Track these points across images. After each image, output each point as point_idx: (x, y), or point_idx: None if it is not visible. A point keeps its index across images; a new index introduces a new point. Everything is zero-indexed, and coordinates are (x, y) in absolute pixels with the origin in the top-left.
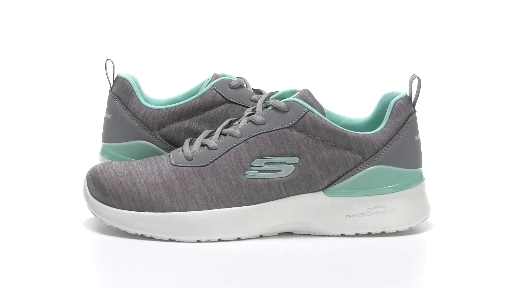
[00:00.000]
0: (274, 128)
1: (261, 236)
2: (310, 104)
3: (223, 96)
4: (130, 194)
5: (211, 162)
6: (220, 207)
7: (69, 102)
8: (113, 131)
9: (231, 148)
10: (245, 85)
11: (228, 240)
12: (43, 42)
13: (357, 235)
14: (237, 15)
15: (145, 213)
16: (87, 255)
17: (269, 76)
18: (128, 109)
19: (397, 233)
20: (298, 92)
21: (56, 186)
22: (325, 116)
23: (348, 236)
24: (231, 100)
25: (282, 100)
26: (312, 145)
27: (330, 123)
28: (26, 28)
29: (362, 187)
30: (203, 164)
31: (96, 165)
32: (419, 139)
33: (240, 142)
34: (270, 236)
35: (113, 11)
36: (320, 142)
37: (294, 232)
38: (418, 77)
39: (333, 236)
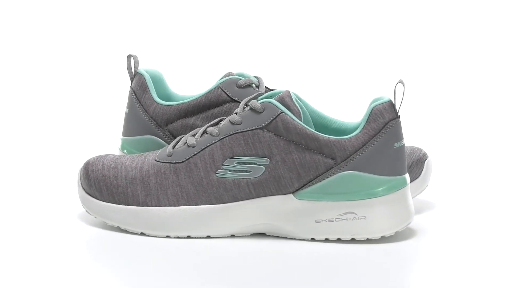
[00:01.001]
0: (248, 129)
1: (232, 236)
2: (286, 106)
3: (228, 95)
4: (110, 186)
5: (186, 160)
6: (190, 204)
7: (100, 97)
8: (128, 125)
9: (207, 146)
10: (253, 85)
11: (197, 238)
12: (82, 39)
13: (327, 240)
14: (271, 17)
15: (121, 206)
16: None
17: (293, 77)
18: (141, 104)
19: (368, 240)
20: (280, 94)
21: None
22: (302, 120)
23: (318, 241)
24: (235, 99)
25: (259, 101)
26: (283, 147)
27: (302, 125)
28: (55, 22)
29: (333, 192)
30: (179, 161)
31: (92, 157)
32: (400, 146)
33: (216, 141)
34: (242, 236)
35: (151, 10)
36: (292, 145)
37: (267, 234)
38: (402, 83)
39: (304, 240)
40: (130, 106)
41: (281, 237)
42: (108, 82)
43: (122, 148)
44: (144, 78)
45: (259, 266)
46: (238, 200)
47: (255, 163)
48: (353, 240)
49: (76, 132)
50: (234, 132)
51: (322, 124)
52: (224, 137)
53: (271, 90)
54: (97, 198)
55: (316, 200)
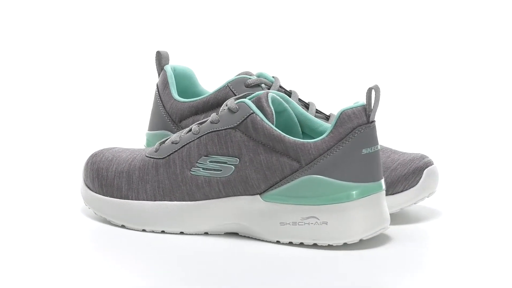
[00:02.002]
0: (222, 128)
1: (206, 233)
2: (260, 107)
3: (235, 94)
4: (100, 178)
5: (167, 156)
6: (165, 200)
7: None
8: (151, 120)
9: (187, 144)
10: (263, 85)
11: (171, 233)
12: (119, 33)
13: (291, 243)
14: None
15: (107, 198)
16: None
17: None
18: (161, 100)
19: (329, 246)
20: (258, 94)
21: None
22: (273, 123)
23: (283, 244)
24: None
25: (236, 101)
26: (252, 148)
27: (270, 127)
28: (94, 18)
29: (297, 195)
30: (161, 157)
31: (100, 148)
32: (371, 152)
33: (195, 139)
34: (215, 234)
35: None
36: (260, 146)
37: (240, 234)
38: (374, 88)
39: (270, 242)
40: (154, 101)
41: (252, 238)
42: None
43: (147, 143)
44: (166, 74)
45: (217, 265)
46: (209, 198)
47: (226, 162)
48: (315, 245)
49: (109, 127)
50: (210, 130)
51: (309, 127)
52: (202, 136)
53: (285, 90)
54: (89, 188)
55: (281, 203)
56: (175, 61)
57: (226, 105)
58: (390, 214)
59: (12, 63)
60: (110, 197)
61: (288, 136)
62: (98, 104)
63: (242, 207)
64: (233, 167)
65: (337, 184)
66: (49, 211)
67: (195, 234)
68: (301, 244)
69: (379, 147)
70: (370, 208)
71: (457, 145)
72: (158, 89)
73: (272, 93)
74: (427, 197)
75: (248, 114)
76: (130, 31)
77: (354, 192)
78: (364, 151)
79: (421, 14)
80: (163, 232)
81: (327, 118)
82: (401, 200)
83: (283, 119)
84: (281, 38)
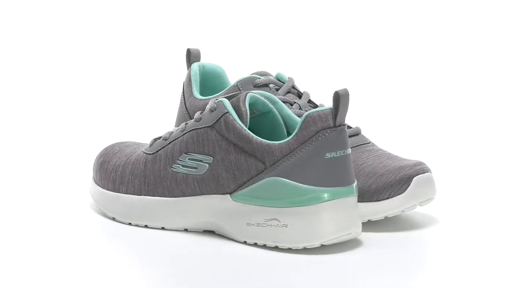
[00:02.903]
0: (201, 126)
1: (185, 230)
2: (234, 106)
3: None
4: (101, 171)
5: (156, 152)
6: (148, 195)
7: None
8: (176, 116)
9: (173, 141)
10: (271, 85)
11: (153, 228)
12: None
13: (255, 245)
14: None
15: (104, 190)
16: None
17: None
18: (184, 96)
19: (289, 250)
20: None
21: None
22: (246, 123)
23: (249, 244)
24: None
25: (216, 100)
26: (224, 147)
27: (240, 126)
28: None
29: (261, 196)
30: (151, 153)
31: (114, 142)
32: (335, 157)
33: (179, 136)
34: (194, 231)
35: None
36: (231, 145)
37: (216, 232)
38: (341, 92)
39: (239, 242)
40: (180, 98)
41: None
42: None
43: None
44: (191, 72)
45: (184, 263)
46: (186, 196)
47: (201, 161)
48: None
49: (141, 124)
50: (192, 128)
51: (295, 128)
52: (185, 133)
53: (298, 91)
54: (94, 181)
55: (247, 203)
56: (209, 59)
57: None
58: (376, 221)
59: (35, 59)
60: (106, 189)
61: (256, 136)
62: (131, 100)
63: (214, 206)
64: (207, 165)
65: (298, 187)
66: (58, 203)
67: (176, 230)
68: (264, 246)
69: (348, 151)
70: (332, 213)
71: (461, 151)
72: (183, 87)
73: (254, 94)
74: (419, 205)
75: (222, 113)
76: (170, 28)
77: (314, 196)
78: (328, 155)
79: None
80: (146, 226)
81: None
82: (385, 207)
83: (269, 120)
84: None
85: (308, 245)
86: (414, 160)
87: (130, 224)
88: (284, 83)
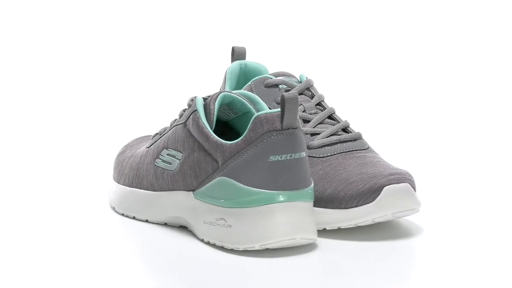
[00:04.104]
0: (179, 123)
1: (165, 224)
2: (205, 104)
3: (254, 93)
4: (115, 161)
5: (150, 146)
6: (136, 187)
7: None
8: None
9: (162, 135)
10: (281, 85)
11: (139, 220)
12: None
13: (208, 243)
14: None
15: (112, 180)
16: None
17: None
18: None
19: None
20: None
21: None
22: (211, 122)
23: (205, 243)
24: None
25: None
26: (190, 144)
27: (203, 125)
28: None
29: (213, 195)
30: (147, 146)
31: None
32: (280, 160)
33: (167, 131)
34: (172, 226)
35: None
36: (196, 143)
37: (188, 228)
38: (285, 96)
39: (200, 240)
40: None
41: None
42: None
43: None
44: (227, 70)
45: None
46: (163, 190)
47: (175, 156)
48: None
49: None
50: (174, 124)
51: None
52: (170, 129)
53: (312, 93)
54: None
55: (204, 201)
56: (260, 58)
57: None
58: (345, 228)
59: (51, 59)
60: (113, 179)
61: (214, 135)
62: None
63: (181, 202)
64: (178, 161)
65: (242, 189)
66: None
67: (157, 223)
68: (214, 245)
69: (296, 155)
70: (272, 216)
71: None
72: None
73: (231, 94)
74: (392, 216)
75: (192, 111)
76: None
77: (256, 198)
78: (272, 158)
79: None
80: (134, 218)
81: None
82: (354, 215)
83: (246, 120)
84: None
85: (248, 247)
86: (398, 170)
87: (123, 215)
88: (297, 84)
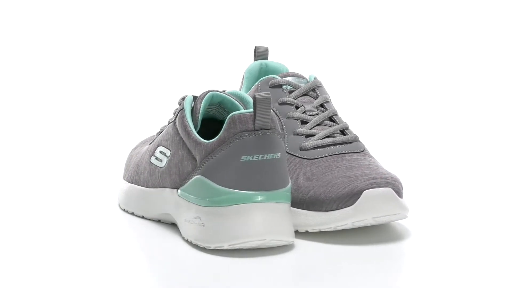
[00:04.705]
0: (171, 121)
1: (159, 221)
2: (189, 103)
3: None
4: (126, 160)
5: (151, 143)
6: (135, 184)
7: None
8: None
9: (159, 134)
10: (285, 86)
11: (136, 216)
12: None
13: (187, 241)
14: None
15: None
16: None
17: None
18: None
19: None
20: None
21: None
22: (196, 121)
23: (185, 241)
24: None
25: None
26: (177, 142)
27: (187, 122)
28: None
29: (192, 193)
30: (149, 143)
31: None
32: (252, 161)
33: (164, 129)
34: (165, 223)
35: None
36: (182, 141)
37: (177, 225)
38: (256, 97)
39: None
40: None
41: None
42: None
43: None
44: (246, 69)
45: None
46: (155, 187)
47: (165, 154)
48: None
49: None
50: (168, 122)
51: None
52: (166, 126)
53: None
54: None
55: (185, 199)
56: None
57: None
58: (327, 231)
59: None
60: (122, 176)
61: (195, 133)
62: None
63: (168, 199)
64: (167, 159)
65: (215, 188)
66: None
67: (151, 219)
68: (191, 243)
69: (268, 156)
70: (242, 217)
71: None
72: None
73: (220, 93)
74: (373, 220)
75: (181, 109)
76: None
77: (226, 198)
78: (244, 158)
79: None
80: (132, 213)
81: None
82: (333, 218)
83: None
84: None
85: (218, 246)
86: (383, 174)
87: (124, 210)
88: (301, 85)
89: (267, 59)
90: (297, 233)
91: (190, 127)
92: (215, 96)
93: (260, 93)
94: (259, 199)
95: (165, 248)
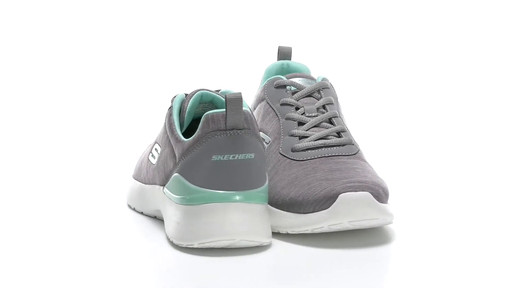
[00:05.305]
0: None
1: (155, 217)
2: (179, 101)
3: (265, 93)
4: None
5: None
6: (138, 180)
7: None
8: None
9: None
10: (289, 87)
11: (137, 212)
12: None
13: (168, 239)
14: None
15: None
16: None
17: None
18: None
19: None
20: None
21: None
22: (182, 119)
23: (167, 238)
24: (266, 97)
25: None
26: (166, 139)
27: (172, 121)
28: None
29: (171, 191)
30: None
31: None
32: (223, 160)
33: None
34: (160, 219)
35: None
36: (168, 138)
37: None
38: (227, 96)
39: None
40: None
41: None
42: None
43: None
44: (265, 69)
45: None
46: (150, 184)
47: (157, 151)
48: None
49: None
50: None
51: None
52: None
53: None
54: None
55: (167, 197)
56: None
57: None
58: (306, 234)
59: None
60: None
61: (178, 131)
62: None
63: (158, 196)
64: (158, 156)
65: (188, 186)
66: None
67: (148, 215)
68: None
69: (240, 156)
70: (211, 216)
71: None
72: None
73: (210, 92)
74: (350, 224)
75: (170, 106)
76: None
77: (198, 197)
78: (215, 157)
79: None
80: (134, 209)
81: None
82: (310, 220)
83: None
84: None
85: (188, 244)
86: (365, 178)
87: (129, 206)
88: (304, 86)
89: (290, 59)
90: (278, 235)
91: (174, 124)
92: (204, 95)
93: (231, 93)
94: (230, 198)
95: (146, 244)
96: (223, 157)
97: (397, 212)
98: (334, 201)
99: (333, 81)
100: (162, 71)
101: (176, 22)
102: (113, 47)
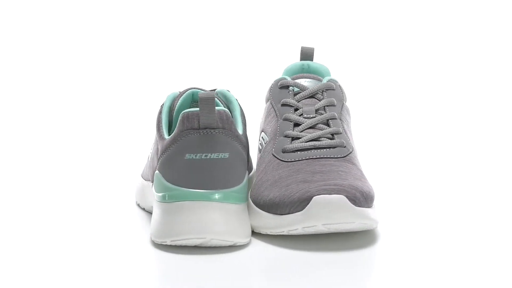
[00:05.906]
0: None
1: None
2: (171, 99)
3: (270, 93)
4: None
5: None
6: (142, 177)
7: None
8: None
9: None
10: (291, 87)
11: (141, 208)
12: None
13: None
14: None
15: None
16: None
17: None
18: None
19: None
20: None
21: None
22: (171, 117)
23: None
24: (270, 98)
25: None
26: (156, 137)
27: (160, 120)
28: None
29: (154, 188)
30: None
31: None
32: (195, 159)
33: None
34: None
35: None
36: (158, 136)
37: None
38: (199, 96)
39: None
40: None
41: None
42: None
43: None
44: (284, 69)
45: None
46: (148, 180)
47: (152, 148)
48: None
49: None
50: None
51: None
52: None
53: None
54: None
55: (154, 193)
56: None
57: None
58: (280, 235)
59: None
60: None
61: (163, 128)
62: None
63: (150, 193)
64: (151, 152)
65: (164, 184)
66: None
67: (149, 211)
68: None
69: (213, 156)
70: (183, 214)
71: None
72: None
73: (206, 93)
74: (324, 227)
75: (162, 104)
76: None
77: (172, 194)
78: (188, 156)
79: None
80: (138, 205)
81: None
82: (285, 222)
83: None
84: None
85: (162, 241)
86: (344, 181)
87: (136, 202)
88: (307, 87)
89: (311, 59)
90: (259, 235)
91: (161, 122)
92: (195, 94)
93: (203, 92)
94: (204, 197)
95: (131, 239)
96: (195, 156)
97: (397, 216)
98: (308, 204)
99: (353, 83)
100: (176, 72)
101: (193, 21)
102: (129, 45)
